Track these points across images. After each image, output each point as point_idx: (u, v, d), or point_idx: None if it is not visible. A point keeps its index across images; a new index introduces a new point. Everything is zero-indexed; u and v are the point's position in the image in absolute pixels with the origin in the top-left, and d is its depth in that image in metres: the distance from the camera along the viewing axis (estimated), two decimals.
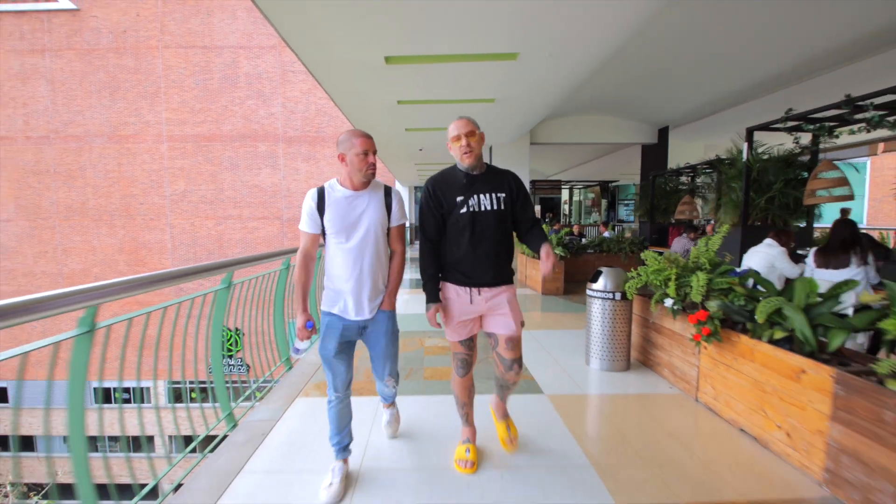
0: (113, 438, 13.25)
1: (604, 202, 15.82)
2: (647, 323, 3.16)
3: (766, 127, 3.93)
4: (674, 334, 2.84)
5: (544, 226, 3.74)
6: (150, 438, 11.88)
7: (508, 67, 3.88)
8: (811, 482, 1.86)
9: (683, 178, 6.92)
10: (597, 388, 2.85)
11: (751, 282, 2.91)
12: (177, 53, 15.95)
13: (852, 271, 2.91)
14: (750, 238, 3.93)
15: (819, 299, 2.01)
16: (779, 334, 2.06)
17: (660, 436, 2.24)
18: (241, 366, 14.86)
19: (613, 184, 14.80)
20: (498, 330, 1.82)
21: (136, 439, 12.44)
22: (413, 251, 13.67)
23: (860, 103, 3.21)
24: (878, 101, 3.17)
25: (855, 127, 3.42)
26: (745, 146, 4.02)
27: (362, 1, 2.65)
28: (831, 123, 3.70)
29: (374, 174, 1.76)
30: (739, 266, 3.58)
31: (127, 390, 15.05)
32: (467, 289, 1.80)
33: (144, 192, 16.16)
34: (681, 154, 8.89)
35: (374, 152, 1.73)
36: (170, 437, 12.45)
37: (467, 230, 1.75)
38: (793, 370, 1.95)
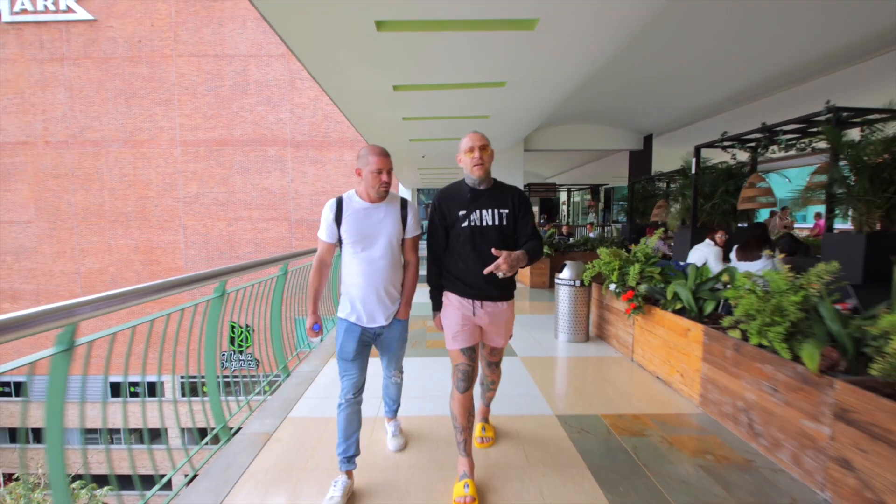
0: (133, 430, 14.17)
1: (599, 204, 16.65)
2: (602, 304, 4.04)
3: (710, 145, 4.79)
4: (619, 312, 3.72)
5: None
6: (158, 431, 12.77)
7: (499, 92, 4.60)
8: (692, 405, 2.74)
9: (660, 184, 7.76)
10: (558, 353, 3.74)
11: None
12: (190, 62, 16.85)
13: (763, 263, 3.76)
14: (697, 237, 4.78)
15: (704, 280, 2.88)
16: (678, 305, 2.94)
17: (598, 382, 3.12)
18: (251, 361, 15.80)
19: (604, 186, 15.62)
20: (489, 342, 1.99)
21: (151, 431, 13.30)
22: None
23: (776, 129, 4.08)
24: (788, 127, 4.03)
25: (776, 147, 4.27)
26: (693, 161, 4.88)
27: (377, 46, 3.26)
28: (763, 143, 4.55)
29: (387, 191, 1.85)
30: (685, 260, 4.45)
31: (138, 384, 16.00)
32: (470, 301, 1.87)
33: (159, 195, 17.07)
34: (664, 160, 9.66)
35: (390, 171, 1.80)
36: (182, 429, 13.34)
37: (468, 244, 1.82)
38: (683, 329, 2.83)
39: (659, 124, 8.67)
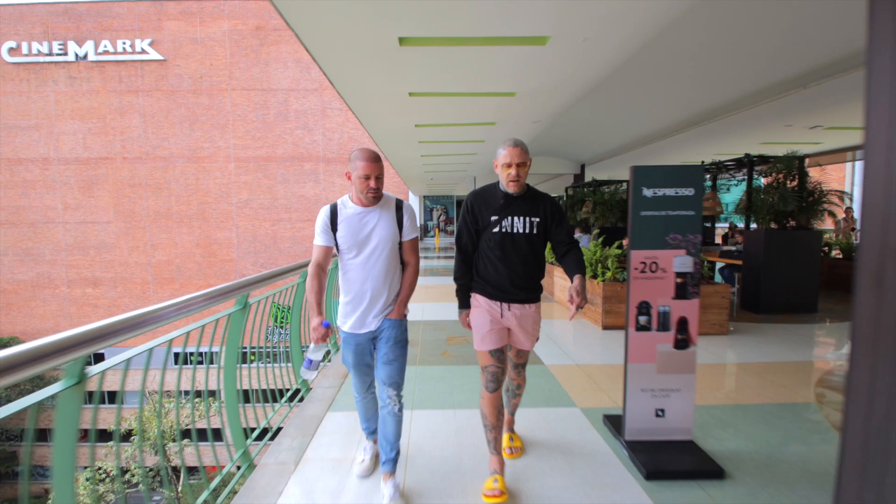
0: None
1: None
2: None
3: (574, 187, 10.65)
4: None
5: None
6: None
7: (508, 101, 5.06)
8: None
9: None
10: None
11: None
12: (242, 94, 22.34)
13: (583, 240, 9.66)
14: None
15: None
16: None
17: None
18: (288, 335, 21.47)
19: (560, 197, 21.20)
20: (516, 344, 2.19)
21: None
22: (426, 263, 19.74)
23: (603, 181, 9.90)
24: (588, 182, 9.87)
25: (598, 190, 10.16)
26: (564, 194, 10.75)
27: (397, 58, 3.64)
28: (593, 187, 10.39)
29: (374, 197, 1.94)
30: None
31: (202, 354, 21.58)
32: (498, 303, 2.07)
33: (216, 201, 22.51)
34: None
35: (378, 177, 1.89)
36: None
37: (498, 249, 2.02)
38: None
39: (589, 157, 14.39)
